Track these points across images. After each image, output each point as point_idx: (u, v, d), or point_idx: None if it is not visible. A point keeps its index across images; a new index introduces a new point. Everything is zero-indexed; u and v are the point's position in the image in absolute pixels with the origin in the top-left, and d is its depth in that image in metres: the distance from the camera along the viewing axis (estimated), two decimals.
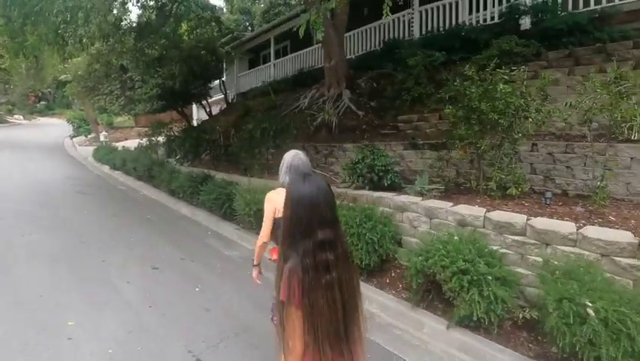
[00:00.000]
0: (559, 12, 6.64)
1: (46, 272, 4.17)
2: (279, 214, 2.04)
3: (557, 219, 3.33)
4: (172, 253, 4.90)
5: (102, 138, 16.52)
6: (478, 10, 8.10)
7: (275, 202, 2.19)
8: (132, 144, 15.86)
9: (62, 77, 14.51)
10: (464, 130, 3.90)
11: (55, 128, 26.80)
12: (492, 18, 7.84)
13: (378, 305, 3.57)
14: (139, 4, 10.44)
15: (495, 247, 3.28)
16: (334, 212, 1.27)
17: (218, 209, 6.24)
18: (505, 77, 3.87)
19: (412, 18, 9.29)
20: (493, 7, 7.83)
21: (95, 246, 5.08)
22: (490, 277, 2.85)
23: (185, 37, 14.15)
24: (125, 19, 9.50)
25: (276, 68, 14.39)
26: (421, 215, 4.09)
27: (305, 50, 12.98)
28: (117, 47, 12.58)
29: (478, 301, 2.80)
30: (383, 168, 4.86)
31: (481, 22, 8.00)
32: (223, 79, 15.69)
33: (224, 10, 21.40)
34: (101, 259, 4.56)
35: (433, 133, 6.56)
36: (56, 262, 4.49)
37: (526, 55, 6.16)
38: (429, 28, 8.96)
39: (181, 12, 13.15)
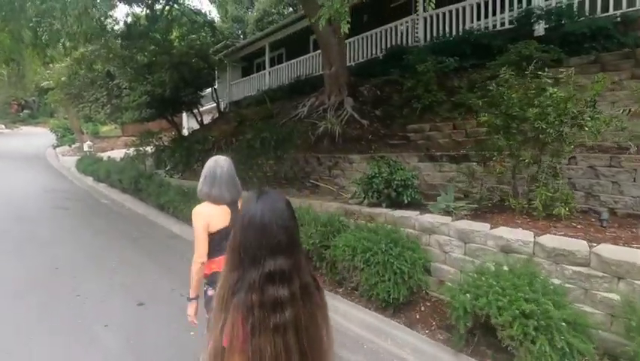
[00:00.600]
0: (576, 17, 6.30)
1: (6, 311, 3.47)
2: (214, 228, 1.97)
3: (624, 245, 2.81)
4: (161, 282, 4.24)
5: (86, 148, 15.65)
6: (487, 17, 7.75)
7: (205, 215, 1.99)
8: (118, 154, 15.07)
9: (44, 83, 13.70)
10: (504, 140, 3.39)
11: (37, 137, 25.69)
12: (502, 24, 7.50)
13: (412, 350, 2.98)
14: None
15: (555, 281, 2.74)
16: (293, 238, 1.05)
17: None
18: (548, 80, 3.40)
19: (417, 24, 8.91)
20: (502, 13, 7.49)
21: (71, 273, 4.38)
22: (563, 323, 2.30)
23: (176, 44, 13.57)
24: (111, 16, 8.77)
25: (272, 76, 13.89)
26: (454, 238, 3.54)
27: (302, 58, 12.54)
28: (103, 52, 11.93)
29: (550, 355, 2.24)
30: (402, 182, 4.32)
31: (490, 27, 7.65)
32: (215, 87, 15.13)
33: (217, 18, 20.99)
34: (76, 291, 3.87)
35: (447, 144, 6.09)
36: (21, 296, 3.79)
37: (546, 61, 5.76)
38: (434, 35, 8.59)
39: (173, 15, 12.62)
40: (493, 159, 3.65)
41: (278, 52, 15.09)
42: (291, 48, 14.44)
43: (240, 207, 2.02)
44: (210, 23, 11.82)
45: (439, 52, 7.39)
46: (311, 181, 6.81)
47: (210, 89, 15.09)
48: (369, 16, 11.21)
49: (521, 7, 7.19)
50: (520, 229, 3.30)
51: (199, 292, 2.07)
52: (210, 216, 1.99)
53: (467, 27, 7.99)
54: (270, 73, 13.98)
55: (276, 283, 0.98)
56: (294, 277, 1.01)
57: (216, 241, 2.00)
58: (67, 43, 6.89)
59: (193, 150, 9.07)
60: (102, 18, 7.95)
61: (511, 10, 7.36)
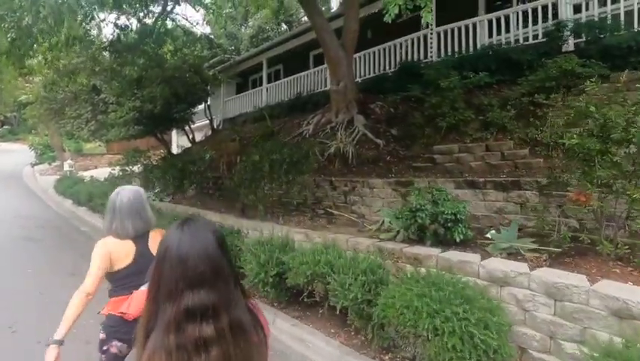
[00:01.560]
0: (609, 30, 5.83)
1: None
2: (116, 266, 1.85)
3: None
4: None
5: (67, 167, 14.48)
6: (508, 31, 7.27)
7: (107, 248, 1.86)
8: (102, 173, 13.99)
9: (23, 97, 12.62)
10: (608, 170, 2.68)
11: (16, 154, 24.26)
12: (526, 38, 7.02)
13: None
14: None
15: None
16: (218, 269, 0.91)
17: None
18: None
19: (432, 39, 8.40)
20: (526, 27, 7.01)
21: (32, 338, 3.39)
22: None
23: (168, 57, 12.81)
24: (97, 17, 7.84)
25: (269, 93, 13.24)
26: (538, 293, 2.76)
27: (302, 74, 11.97)
28: (89, 64, 11.08)
29: None
30: (452, 216, 3.57)
31: (512, 42, 7.16)
32: (208, 103, 14.35)
33: (212, 36, 20.43)
34: None
35: (479, 167, 5.42)
36: None
37: (590, 76, 5.20)
38: (449, 50, 8.09)
39: (166, 28, 11.89)
40: (587, 189, 2.90)
41: (275, 68, 14.52)
42: (289, 64, 13.89)
43: (149, 240, 1.93)
44: (207, 35, 11.10)
45: (458, 67, 6.82)
46: (326, 209, 6.00)
47: (203, 105, 14.32)
48: (373, 32, 10.77)
49: (546, 21, 6.74)
50: (630, 283, 2.56)
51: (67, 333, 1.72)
52: (113, 251, 1.86)
53: (486, 42, 7.52)
54: (267, 89, 13.33)
55: (197, 321, 0.86)
56: (220, 313, 0.89)
57: (117, 281, 1.88)
58: (48, 53, 6.04)
59: (187, 171, 8.18)
60: (86, 21, 7.05)
61: (535, 24, 6.89)
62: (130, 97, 12.26)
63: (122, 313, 1.80)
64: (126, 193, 1.92)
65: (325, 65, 11.36)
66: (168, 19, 12.11)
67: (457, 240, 3.58)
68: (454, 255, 3.32)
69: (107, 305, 1.89)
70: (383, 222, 4.78)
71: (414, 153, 6.43)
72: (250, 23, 22.12)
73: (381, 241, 4.07)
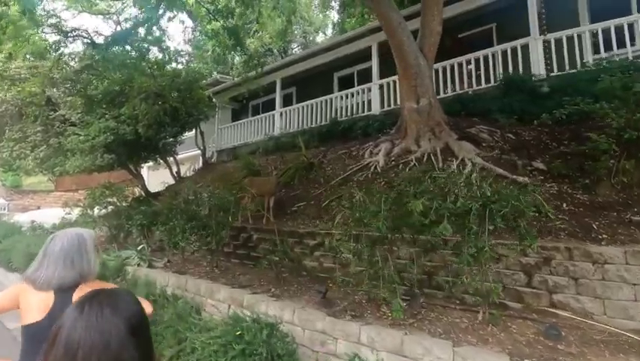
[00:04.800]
0: None
1: None
2: (26, 320, 1.51)
3: None
4: None
5: None
6: None
7: (20, 293, 1.54)
8: (50, 216, 10.23)
9: None
10: None
11: None
12: None
13: None
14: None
15: None
16: None
17: None
18: None
19: (546, 47, 6.44)
20: None
21: None
22: None
23: (154, 70, 9.88)
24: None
25: (284, 118, 10.66)
26: None
27: (333, 95, 9.65)
28: (45, 69, 7.97)
29: None
30: None
31: None
32: (202, 130, 11.42)
33: (194, 61, 17.95)
34: None
35: None
36: None
37: None
38: (566, 62, 6.14)
39: (155, 36, 9.06)
40: None
41: (287, 91, 12.10)
42: (304, 87, 11.60)
43: (74, 294, 1.56)
44: (231, 28, 8.40)
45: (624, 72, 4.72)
46: (496, 300, 3.26)
47: (195, 130, 11.39)
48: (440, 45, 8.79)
49: None
50: None
51: None
52: (24, 299, 1.51)
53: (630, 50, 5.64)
54: (282, 114, 10.75)
55: None
56: None
57: (26, 339, 1.51)
58: None
59: (200, 218, 5.11)
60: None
61: None
62: (101, 115, 9.13)
63: None
64: (61, 236, 1.64)
65: (367, 86, 9.12)
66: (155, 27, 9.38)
67: None
68: None
69: None
70: None
71: (606, 196, 4.02)
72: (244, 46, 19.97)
73: None
